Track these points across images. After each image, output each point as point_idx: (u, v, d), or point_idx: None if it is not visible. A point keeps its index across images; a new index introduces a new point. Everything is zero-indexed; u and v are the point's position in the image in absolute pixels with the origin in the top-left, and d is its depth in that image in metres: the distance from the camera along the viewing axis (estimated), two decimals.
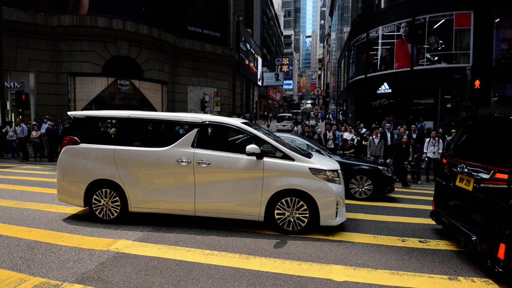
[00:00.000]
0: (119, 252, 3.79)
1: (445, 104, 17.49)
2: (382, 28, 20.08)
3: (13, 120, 15.53)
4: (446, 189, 4.42)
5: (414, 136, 11.27)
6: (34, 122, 13.74)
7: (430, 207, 6.57)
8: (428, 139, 10.38)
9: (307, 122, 26.16)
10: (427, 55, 18.04)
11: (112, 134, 5.13)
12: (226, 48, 27.26)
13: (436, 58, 17.91)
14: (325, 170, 4.58)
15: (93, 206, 4.91)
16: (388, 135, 11.62)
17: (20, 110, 15.24)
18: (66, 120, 14.17)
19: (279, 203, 4.53)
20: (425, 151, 10.30)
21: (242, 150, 4.59)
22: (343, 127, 13.91)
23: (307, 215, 4.50)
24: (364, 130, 13.52)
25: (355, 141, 11.28)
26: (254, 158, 4.52)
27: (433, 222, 5.37)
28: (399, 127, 11.92)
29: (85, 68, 19.10)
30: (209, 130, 4.99)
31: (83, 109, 19.60)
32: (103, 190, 4.85)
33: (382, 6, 21.03)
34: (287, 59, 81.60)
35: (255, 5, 41.22)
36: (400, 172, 9.64)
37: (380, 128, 11.95)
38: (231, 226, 4.80)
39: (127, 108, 21.48)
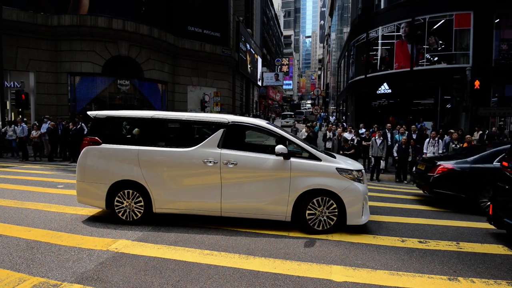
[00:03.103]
0: (119, 252, 3.79)
1: (444, 104, 17.51)
2: (382, 29, 20.10)
3: (13, 120, 15.51)
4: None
5: (414, 136, 11.27)
6: (35, 122, 13.73)
7: (429, 207, 6.59)
8: (428, 139, 10.40)
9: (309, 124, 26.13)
10: (427, 55, 18.06)
11: (135, 135, 5.04)
12: (226, 48, 27.26)
13: (436, 59, 17.93)
14: (352, 170, 4.64)
15: (115, 207, 4.80)
16: (388, 135, 11.63)
17: (20, 109, 15.23)
18: (65, 120, 14.16)
19: (311, 203, 4.55)
20: (424, 151, 10.31)
21: (267, 150, 4.72)
22: (339, 128, 13.91)
23: (336, 214, 4.55)
24: (363, 130, 13.53)
25: (355, 141, 11.28)
26: (281, 158, 4.54)
27: (433, 222, 5.37)
28: (399, 127, 11.93)
29: (85, 68, 19.09)
30: (235, 131, 4.92)
31: (82, 109, 19.59)
32: (126, 191, 4.77)
33: (382, 6, 21.05)
34: (287, 59, 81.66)
35: (255, 5, 41.22)
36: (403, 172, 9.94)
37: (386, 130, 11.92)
38: (231, 226, 4.79)
39: (127, 108, 21.49)
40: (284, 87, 76.81)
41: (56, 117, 15.57)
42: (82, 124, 13.40)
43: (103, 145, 4.87)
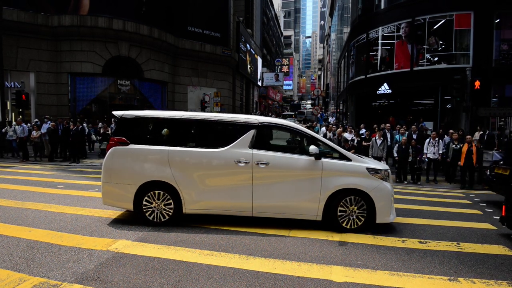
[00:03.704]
0: (119, 252, 3.79)
1: (445, 104, 17.49)
2: (382, 29, 20.09)
3: (13, 120, 15.52)
4: None
5: (414, 136, 11.26)
6: (37, 121, 13.71)
7: (429, 208, 6.58)
8: (428, 139, 10.39)
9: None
10: (427, 55, 18.05)
11: (164, 135, 5.01)
12: (226, 48, 27.27)
13: (436, 59, 17.92)
14: (381, 170, 4.79)
15: (144, 208, 4.74)
16: (388, 135, 11.62)
17: (20, 110, 15.24)
18: (65, 120, 14.16)
19: (342, 202, 4.62)
20: (425, 151, 10.30)
21: (295, 151, 4.85)
22: (339, 128, 13.90)
23: (365, 213, 4.65)
24: (363, 130, 13.52)
25: (355, 141, 11.28)
26: (312, 158, 4.62)
27: (433, 223, 5.36)
28: (399, 127, 11.93)
29: (85, 68, 19.11)
30: (265, 131, 4.98)
31: (82, 110, 19.62)
32: (155, 192, 4.71)
33: (382, 6, 21.04)
34: (287, 59, 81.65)
35: (255, 6, 41.22)
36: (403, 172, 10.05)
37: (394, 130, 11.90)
38: (230, 226, 4.79)
39: (127, 108, 21.47)
40: (284, 87, 76.78)
41: (56, 117, 15.58)
42: (84, 124, 13.41)
43: (131, 146, 4.80)
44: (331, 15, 54.75)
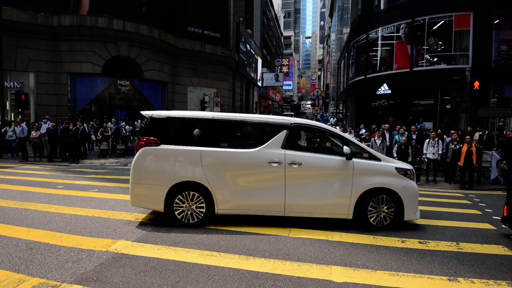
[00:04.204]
0: (118, 252, 3.78)
1: (444, 105, 17.51)
2: (382, 29, 20.11)
3: (12, 120, 15.51)
4: None
5: (414, 136, 11.27)
6: (35, 123, 13.71)
7: (429, 208, 6.58)
8: (428, 139, 10.39)
9: None
10: (427, 56, 18.07)
11: (195, 135, 5.02)
12: (226, 48, 27.27)
13: (435, 59, 17.94)
14: (408, 169, 4.95)
15: (175, 209, 4.70)
16: (387, 135, 11.63)
17: (19, 110, 15.23)
18: (65, 120, 14.16)
19: (372, 201, 4.74)
20: (424, 152, 10.31)
21: (324, 151, 4.97)
22: (339, 127, 13.91)
23: (393, 211, 4.79)
24: (363, 131, 13.53)
25: None
26: (343, 158, 4.73)
27: (432, 223, 5.36)
28: (398, 127, 11.93)
29: (85, 68, 19.10)
30: (297, 132, 5.04)
31: (82, 110, 19.61)
32: (187, 192, 4.69)
33: (382, 7, 21.06)
34: (287, 59, 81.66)
35: (255, 6, 41.23)
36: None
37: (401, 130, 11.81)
38: (230, 226, 4.79)
39: (127, 109, 21.52)
40: (284, 87, 76.76)
41: (56, 118, 15.57)
42: (84, 125, 13.41)
43: (162, 146, 4.76)
44: (331, 15, 54.80)
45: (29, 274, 3.21)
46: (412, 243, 4.38)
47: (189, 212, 4.73)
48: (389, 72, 19.68)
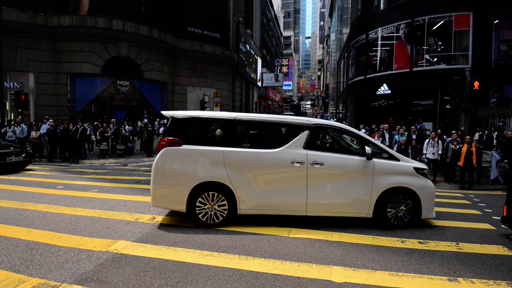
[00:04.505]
0: (118, 253, 3.78)
1: (444, 105, 17.52)
2: (382, 29, 20.12)
3: (12, 120, 15.49)
4: None
5: (414, 136, 11.28)
6: (33, 122, 13.69)
7: None
8: (428, 140, 10.40)
9: None
10: (426, 56, 18.07)
11: (218, 135, 5.04)
12: (225, 49, 27.26)
13: (435, 59, 17.94)
14: (425, 169, 5.10)
15: (197, 210, 4.70)
16: (386, 135, 11.63)
17: (19, 110, 15.22)
18: (64, 121, 14.15)
19: (391, 200, 4.86)
20: (424, 152, 10.31)
21: (344, 151, 5.10)
22: None
23: (411, 210, 4.94)
24: (363, 131, 13.53)
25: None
26: (364, 158, 4.83)
27: (432, 223, 5.36)
28: (398, 127, 11.94)
29: (84, 69, 19.10)
30: (318, 132, 5.10)
31: (81, 110, 19.61)
32: (209, 193, 4.69)
33: (382, 7, 21.07)
34: (287, 60, 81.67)
35: (254, 6, 41.23)
36: None
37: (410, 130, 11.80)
38: (230, 226, 4.79)
39: (127, 109, 21.51)
40: (284, 87, 76.76)
41: (56, 118, 15.57)
42: (85, 125, 13.41)
43: (184, 146, 4.75)
44: (330, 15, 54.82)
45: (29, 275, 3.21)
46: (412, 243, 4.38)
47: (211, 213, 4.73)
48: (389, 72, 19.69)
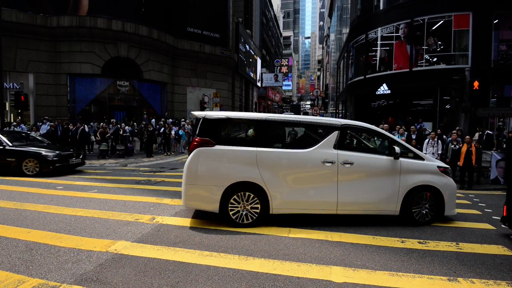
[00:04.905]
0: (118, 253, 3.78)
1: (444, 105, 17.52)
2: (381, 29, 20.13)
3: (12, 121, 15.50)
4: None
5: (413, 136, 11.27)
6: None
7: None
8: (428, 140, 10.40)
9: None
10: (426, 56, 18.08)
11: (249, 136, 5.11)
12: (225, 49, 27.27)
13: (435, 59, 17.95)
14: (448, 168, 5.33)
15: (230, 210, 4.72)
16: None
17: (19, 111, 15.21)
18: (64, 121, 14.15)
19: (416, 197, 5.04)
20: (424, 152, 10.30)
21: (371, 151, 5.32)
22: None
23: (434, 207, 5.13)
24: None
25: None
26: (391, 158, 5.00)
27: (433, 223, 5.36)
28: (398, 127, 11.94)
29: (84, 69, 19.10)
30: (347, 133, 5.20)
31: (81, 111, 19.61)
32: (242, 193, 4.72)
33: (381, 7, 21.08)
34: (286, 60, 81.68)
35: (254, 6, 41.25)
36: None
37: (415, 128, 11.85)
38: (230, 226, 4.79)
39: (127, 109, 21.52)
40: (284, 88, 76.76)
41: (55, 118, 15.56)
42: (85, 125, 13.41)
43: (217, 146, 4.77)
44: (330, 15, 54.84)
45: (29, 275, 3.21)
46: (412, 243, 4.38)
47: (243, 213, 4.76)
48: (388, 72, 19.69)
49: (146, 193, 7.06)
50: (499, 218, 5.22)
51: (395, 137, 5.42)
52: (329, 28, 58.45)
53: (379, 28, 20.28)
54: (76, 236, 4.33)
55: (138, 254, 3.75)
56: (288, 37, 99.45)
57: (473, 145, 9.37)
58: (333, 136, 4.93)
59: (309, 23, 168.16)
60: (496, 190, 9.33)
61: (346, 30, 32.70)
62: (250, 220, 4.77)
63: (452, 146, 9.78)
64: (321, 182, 4.83)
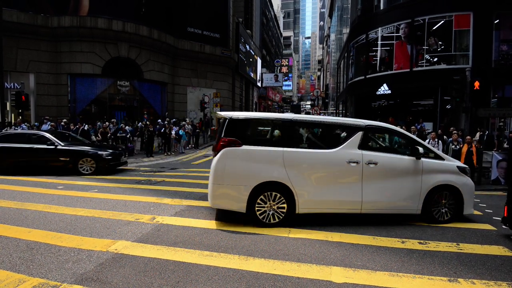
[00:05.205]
0: (118, 253, 3.78)
1: (444, 105, 17.51)
2: (382, 29, 20.12)
3: (13, 121, 15.51)
4: None
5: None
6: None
7: None
8: (428, 140, 10.39)
9: None
10: (427, 56, 18.07)
11: (275, 136, 5.17)
12: (225, 49, 27.28)
13: (435, 59, 17.94)
14: (466, 167, 5.43)
15: (257, 210, 4.75)
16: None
17: (20, 111, 15.23)
18: (64, 121, 14.15)
19: (436, 197, 5.15)
20: None
21: (391, 151, 5.47)
22: None
23: (453, 206, 5.24)
24: None
25: None
26: (413, 158, 5.10)
27: (433, 223, 5.36)
28: (398, 127, 11.93)
29: (85, 69, 19.11)
30: (370, 133, 5.28)
31: (82, 111, 19.63)
32: (269, 193, 4.75)
33: (382, 7, 21.08)
34: (287, 60, 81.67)
35: (254, 7, 41.25)
36: None
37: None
38: (230, 227, 4.79)
39: (127, 109, 21.53)
40: (284, 88, 76.72)
41: (56, 118, 15.57)
42: (85, 125, 13.41)
43: (244, 147, 4.80)
44: (330, 15, 54.83)
45: (29, 274, 3.21)
46: (412, 244, 4.37)
47: (270, 213, 4.79)
48: (389, 72, 19.69)
49: (146, 193, 7.06)
50: (500, 218, 5.21)
51: (417, 138, 5.50)
52: (329, 28, 58.44)
53: (379, 28, 20.27)
54: (76, 235, 4.34)
55: (139, 254, 3.76)
56: (288, 37, 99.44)
57: (473, 145, 9.37)
58: (358, 136, 5.01)
59: (309, 23, 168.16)
60: (497, 190, 9.32)
61: (346, 30, 32.70)
62: (277, 220, 4.80)
63: (453, 146, 9.77)
64: (346, 182, 4.92)
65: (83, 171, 9.31)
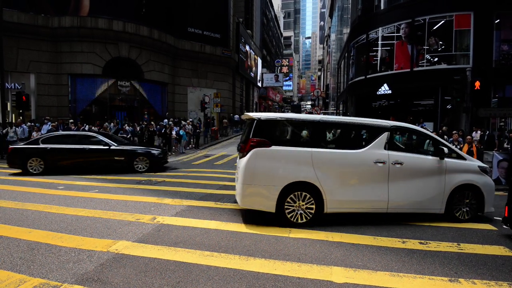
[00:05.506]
0: (119, 253, 3.79)
1: (445, 105, 17.50)
2: (382, 29, 20.11)
3: (13, 121, 15.54)
4: None
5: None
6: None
7: None
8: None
9: None
10: (427, 56, 18.06)
11: (304, 137, 5.24)
12: (226, 49, 27.30)
13: (436, 59, 17.93)
14: (486, 167, 5.55)
15: (286, 210, 4.78)
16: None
17: (20, 111, 15.26)
18: (64, 121, 14.16)
19: (457, 196, 5.26)
20: None
21: (414, 151, 5.53)
22: None
23: (475, 205, 5.33)
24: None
25: None
26: (437, 158, 5.19)
27: (433, 223, 5.36)
28: None
29: (85, 69, 19.14)
30: (395, 134, 5.39)
31: (82, 111, 19.65)
32: (298, 193, 4.79)
33: (382, 7, 21.07)
34: (287, 60, 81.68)
35: (255, 7, 41.27)
36: None
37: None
38: (230, 227, 4.79)
39: (127, 109, 21.55)
40: (284, 88, 76.74)
41: (56, 119, 15.59)
42: (86, 125, 13.43)
43: (273, 147, 4.83)
44: (331, 15, 54.82)
45: (30, 275, 3.22)
46: (413, 244, 4.37)
47: (299, 212, 4.82)
48: (389, 72, 19.68)
49: (147, 193, 7.07)
50: (501, 218, 5.20)
51: (440, 138, 5.62)
52: (329, 28, 58.43)
53: (380, 28, 20.26)
54: (77, 236, 4.34)
55: (139, 254, 3.76)
56: (288, 37, 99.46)
57: (474, 145, 9.36)
58: (384, 137, 5.08)
59: (310, 23, 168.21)
60: (497, 190, 9.25)
61: (346, 30, 32.69)
62: (305, 220, 4.83)
63: (453, 146, 9.77)
64: (373, 182, 4.97)
65: (138, 169, 9.95)
